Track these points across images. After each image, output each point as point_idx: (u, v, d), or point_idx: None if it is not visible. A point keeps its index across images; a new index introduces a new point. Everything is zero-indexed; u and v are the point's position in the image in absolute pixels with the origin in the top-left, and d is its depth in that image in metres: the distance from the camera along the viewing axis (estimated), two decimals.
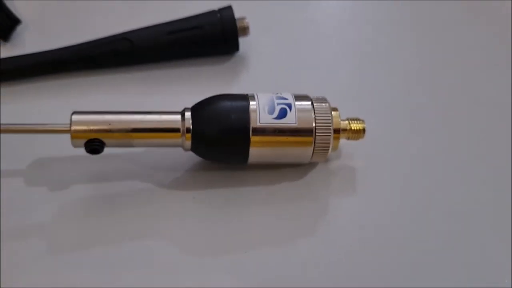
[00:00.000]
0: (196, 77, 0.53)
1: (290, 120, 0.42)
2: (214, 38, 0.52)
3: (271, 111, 0.42)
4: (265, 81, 0.53)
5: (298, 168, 0.45)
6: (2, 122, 0.47)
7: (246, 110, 0.42)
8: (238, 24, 0.52)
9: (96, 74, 0.52)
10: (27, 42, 0.55)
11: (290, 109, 0.42)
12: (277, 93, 0.44)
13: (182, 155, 0.44)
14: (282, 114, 0.42)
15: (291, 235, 0.42)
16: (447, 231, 0.43)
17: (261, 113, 0.42)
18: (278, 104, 0.42)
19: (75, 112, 0.42)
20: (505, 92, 0.52)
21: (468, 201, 0.45)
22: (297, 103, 0.43)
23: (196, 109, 0.42)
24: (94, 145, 0.41)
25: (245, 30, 0.52)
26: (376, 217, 0.44)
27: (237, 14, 0.52)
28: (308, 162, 0.44)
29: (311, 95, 0.44)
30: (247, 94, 0.43)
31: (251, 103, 0.42)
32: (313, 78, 0.54)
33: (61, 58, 0.52)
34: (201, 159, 0.44)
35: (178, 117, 0.42)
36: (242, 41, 0.53)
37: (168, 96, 0.51)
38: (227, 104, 0.42)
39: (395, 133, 0.49)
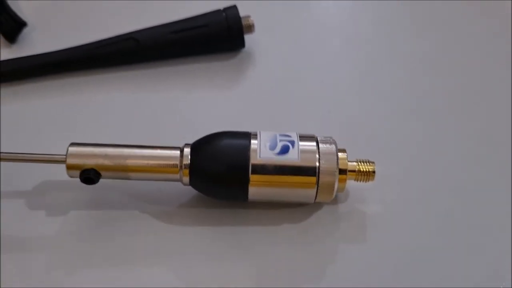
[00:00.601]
0: (204, 73, 0.54)
1: (292, 157, 0.40)
2: (220, 36, 0.53)
3: (272, 147, 0.41)
4: (271, 75, 0.53)
5: (303, 208, 0.44)
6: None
7: (246, 148, 0.40)
8: (244, 22, 0.53)
9: (104, 73, 0.53)
10: (34, 43, 0.55)
11: (293, 146, 0.41)
12: (281, 132, 0.42)
13: (182, 188, 0.43)
14: (284, 150, 0.41)
15: (293, 281, 0.40)
16: (465, 281, 0.41)
17: (262, 148, 0.41)
18: (281, 140, 0.41)
19: (72, 144, 0.42)
20: None
21: (490, 251, 0.42)
22: (301, 142, 0.41)
23: (196, 146, 0.42)
24: (88, 174, 0.41)
25: (250, 28, 0.53)
26: (386, 267, 0.41)
27: (241, 13, 0.53)
28: (313, 202, 0.42)
29: (318, 135, 0.42)
30: (250, 133, 0.42)
31: (253, 141, 0.41)
32: (316, 71, 0.54)
33: (69, 58, 0.53)
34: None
35: (177, 152, 0.41)
36: (247, 38, 0.54)
37: (177, 92, 0.52)
38: (227, 142, 0.41)
39: (409, 175, 0.47)
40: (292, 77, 0.53)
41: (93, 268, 0.41)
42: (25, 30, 0.56)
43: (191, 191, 0.43)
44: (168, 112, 0.50)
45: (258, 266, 0.41)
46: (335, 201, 0.44)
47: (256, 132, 0.42)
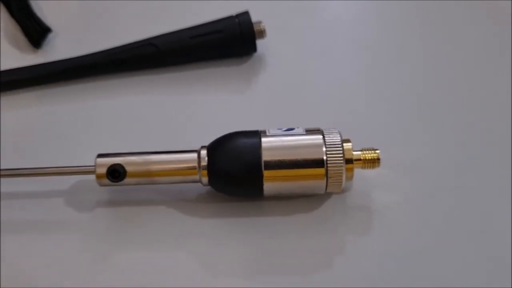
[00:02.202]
0: (218, 77, 0.56)
1: (298, 131, 0.45)
2: (233, 41, 0.56)
3: (279, 128, 0.45)
4: (281, 79, 0.56)
5: (314, 199, 0.46)
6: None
7: (258, 146, 0.43)
8: (255, 28, 0.55)
9: (124, 77, 0.56)
10: (58, 49, 0.58)
11: (297, 127, 0.45)
12: None
13: (203, 188, 0.46)
14: (290, 129, 0.45)
15: (303, 269, 0.43)
16: (473, 274, 0.43)
17: (270, 129, 0.45)
18: (287, 128, 0.45)
19: (99, 155, 0.45)
20: None
21: (502, 241, 0.44)
22: (307, 137, 0.44)
23: (211, 147, 0.45)
24: (115, 167, 0.44)
25: (261, 33, 0.55)
26: (396, 255, 0.44)
27: (253, 18, 0.55)
28: (324, 192, 0.45)
29: (323, 128, 0.45)
30: (259, 131, 0.45)
31: (263, 139, 0.44)
32: (325, 74, 0.56)
33: (92, 62, 0.55)
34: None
35: (195, 155, 0.45)
36: (258, 43, 0.56)
37: (192, 96, 0.55)
38: (240, 141, 0.44)
39: (418, 165, 0.49)
40: (302, 80, 0.56)
41: (121, 251, 0.45)
42: (50, 36, 0.59)
43: (211, 192, 0.47)
44: (184, 114, 0.53)
45: (270, 254, 0.44)
46: (345, 190, 0.47)
47: (265, 130, 0.45)
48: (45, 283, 0.43)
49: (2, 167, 0.46)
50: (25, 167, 0.46)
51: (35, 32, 0.58)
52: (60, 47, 0.58)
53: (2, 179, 0.47)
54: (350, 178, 0.45)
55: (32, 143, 0.51)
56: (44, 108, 0.54)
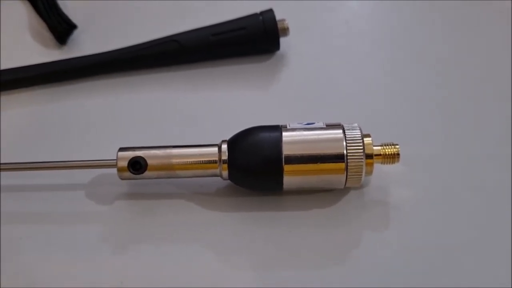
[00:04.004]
0: (241, 74, 0.56)
1: (319, 126, 0.44)
2: (257, 38, 0.56)
3: (299, 122, 0.45)
4: (304, 76, 0.56)
5: (333, 193, 0.46)
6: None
7: (278, 140, 0.43)
8: (279, 25, 0.55)
9: (147, 73, 0.56)
10: (83, 45, 0.59)
11: (318, 122, 0.45)
12: None
13: (222, 182, 0.47)
14: (310, 123, 0.45)
15: (321, 263, 0.43)
16: (490, 269, 0.42)
17: (290, 123, 0.45)
18: (307, 122, 0.45)
19: (121, 149, 0.45)
20: None
21: None
22: (328, 131, 0.44)
23: (232, 141, 0.45)
24: (136, 159, 0.44)
25: (285, 31, 0.55)
26: (413, 250, 0.44)
27: (277, 16, 0.56)
28: (343, 187, 0.45)
29: (344, 123, 0.45)
30: (279, 125, 0.45)
31: (284, 134, 0.44)
32: (346, 72, 0.56)
33: (116, 59, 0.56)
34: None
35: (215, 149, 0.45)
36: (282, 41, 0.56)
37: (215, 92, 0.55)
38: (261, 135, 0.44)
39: (438, 158, 0.49)
40: (323, 78, 0.56)
41: (140, 244, 0.45)
42: (75, 33, 0.59)
43: (230, 187, 0.47)
44: (206, 110, 0.53)
45: (288, 247, 0.44)
46: (363, 185, 0.46)
47: (286, 124, 0.45)
48: (64, 274, 0.43)
49: (26, 160, 0.47)
50: (48, 160, 0.47)
51: (61, 28, 0.59)
52: (85, 44, 0.59)
53: (25, 171, 0.47)
54: (369, 173, 0.45)
55: (56, 137, 0.52)
56: (68, 103, 0.54)
